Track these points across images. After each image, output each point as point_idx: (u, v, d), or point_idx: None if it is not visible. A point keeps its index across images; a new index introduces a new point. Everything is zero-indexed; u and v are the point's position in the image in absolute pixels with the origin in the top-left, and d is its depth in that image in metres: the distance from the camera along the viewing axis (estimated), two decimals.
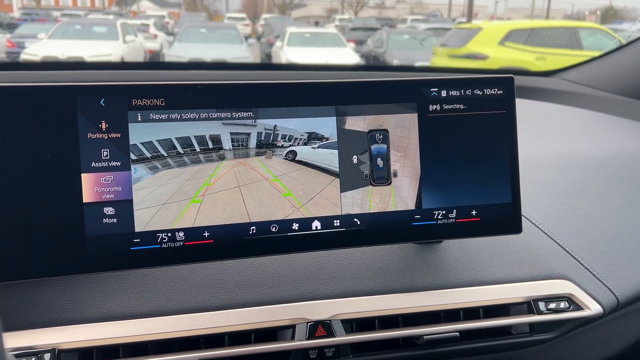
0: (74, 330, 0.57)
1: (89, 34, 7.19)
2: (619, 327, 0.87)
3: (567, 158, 0.94)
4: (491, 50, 5.82)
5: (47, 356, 0.55)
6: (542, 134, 1.04)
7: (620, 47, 1.29)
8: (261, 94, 0.58)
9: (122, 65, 2.20)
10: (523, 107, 1.12)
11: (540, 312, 0.68)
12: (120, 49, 6.72)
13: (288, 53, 7.16)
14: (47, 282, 0.59)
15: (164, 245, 0.56)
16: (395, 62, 7.27)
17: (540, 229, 0.76)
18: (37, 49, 6.28)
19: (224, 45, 7.44)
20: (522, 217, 0.74)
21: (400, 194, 0.62)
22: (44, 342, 0.56)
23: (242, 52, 7.10)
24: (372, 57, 8.07)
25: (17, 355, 0.54)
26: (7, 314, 0.56)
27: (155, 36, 9.12)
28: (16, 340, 0.55)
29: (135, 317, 0.59)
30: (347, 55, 7.32)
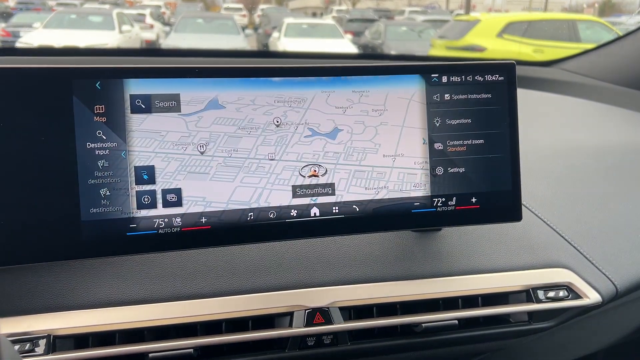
0: (70, 316, 0.57)
1: (85, 23, 7.12)
2: (618, 316, 0.87)
3: (566, 147, 0.93)
4: (489, 42, 5.81)
5: (42, 342, 0.54)
6: (542, 124, 1.03)
7: (619, 38, 1.28)
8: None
9: (118, 52, 2.18)
10: (522, 97, 1.11)
11: (539, 301, 0.68)
12: (116, 39, 6.67)
13: (285, 44, 7.12)
14: (43, 267, 0.59)
15: (160, 231, 0.55)
16: (393, 53, 7.24)
17: (540, 218, 0.76)
18: (32, 38, 6.22)
19: (221, 36, 7.40)
20: (522, 205, 0.74)
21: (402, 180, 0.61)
22: (39, 327, 0.55)
23: (239, 43, 7.06)
24: (369, 49, 8.04)
25: (12, 341, 0.54)
26: (2, 300, 0.56)
27: (152, 26, 9.04)
28: (11, 325, 0.55)
29: (132, 304, 0.59)
30: (344, 47, 7.29)
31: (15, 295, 0.57)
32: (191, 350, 0.57)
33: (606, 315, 0.83)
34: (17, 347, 0.53)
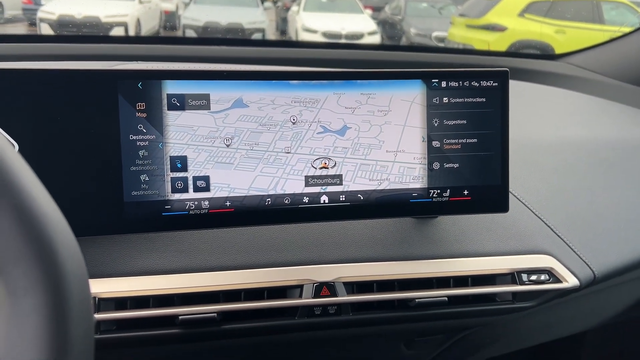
0: (112, 282, 0.66)
1: None
2: (601, 300, 0.95)
3: (562, 142, 1.00)
4: (510, 21, 5.74)
5: None
6: (542, 118, 1.09)
7: (628, 34, 1.32)
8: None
9: (136, 40, 2.23)
10: (526, 91, 1.18)
11: (522, 283, 0.76)
12: (135, 9, 6.69)
13: (304, 18, 7.10)
14: (90, 241, 0.67)
15: (191, 212, 0.64)
16: (413, 30, 7.18)
17: (529, 208, 0.83)
18: (53, 7, 6.28)
19: (240, 9, 7.38)
20: (513, 196, 0.82)
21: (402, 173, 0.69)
22: None
23: (258, 16, 7.05)
24: (389, 25, 7.97)
25: None
26: None
27: None
28: None
29: (165, 273, 0.68)
30: (364, 22, 7.25)
31: None
32: (215, 314, 0.67)
33: (588, 299, 0.91)
34: None
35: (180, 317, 0.66)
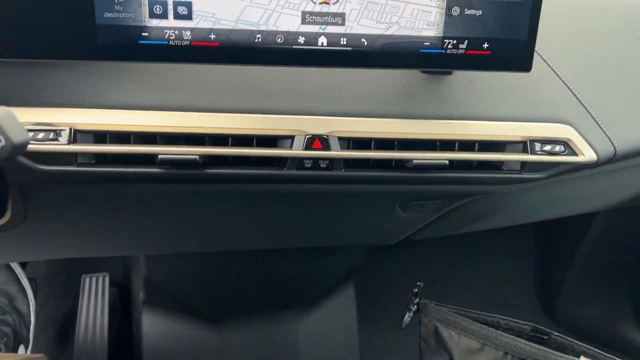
0: (89, 113, 0.61)
1: None
2: (612, 181, 0.89)
3: (602, 4, 0.87)
4: None
5: (64, 133, 0.60)
6: None
7: None
8: None
9: None
10: None
11: (534, 152, 0.70)
12: None
13: None
14: (65, 69, 0.62)
15: (171, 43, 0.57)
16: None
17: (555, 72, 0.74)
18: None
19: None
20: (538, 56, 0.73)
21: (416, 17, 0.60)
22: (61, 120, 0.61)
23: None
24: None
25: (36, 130, 0.60)
26: (27, 91, 0.60)
27: None
28: (35, 116, 0.60)
29: (146, 109, 0.63)
30: None
31: (39, 89, 0.61)
32: (197, 157, 0.63)
33: (602, 178, 0.85)
34: (41, 135, 0.60)
35: (160, 156, 0.63)
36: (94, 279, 1.25)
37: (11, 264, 1.07)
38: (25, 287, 1.07)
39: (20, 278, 1.06)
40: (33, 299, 1.09)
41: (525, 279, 1.54)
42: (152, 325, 1.13)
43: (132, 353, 1.20)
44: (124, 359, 1.22)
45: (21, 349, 1.02)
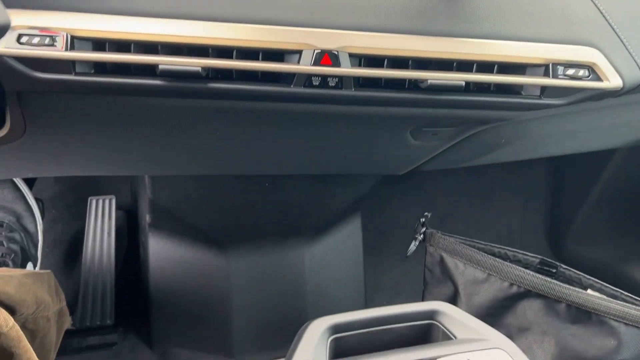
0: (88, 18, 0.58)
1: None
2: (637, 115, 0.85)
3: None
4: None
5: (60, 38, 0.57)
6: None
7: None
8: None
9: None
10: None
11: (556, 76, 0.66)
12: None
13: None
14: None
15: None
16: None
17: None
18: None
19: None
20: None
21: None
22: (59, 25, 0.57)
23: None
24: None
25: (31, 35, 0.56)
26: None
27: None
28: (31, 19, 0.56)
29: (147, 16, 0.59)
30: None
31: None
32: (199, 69, 0.60)
33: (625, 110, 0.81)
34: (36, 39, 0.56)
35: (160, 67, 0.59)
36: (100, 201, 1.25)
37: (17, 183, 1.06)
38: (32, 206, 1.07)
39: (27, 197, 1.06)
40: (40, 219, 1.09)
41: (533, 217, 1.52)
42: (158, 248, 1.14)
43: (140, 275, 1.21)
44: (131, 280, 1.24)
45: (29, 266, 1.04)
